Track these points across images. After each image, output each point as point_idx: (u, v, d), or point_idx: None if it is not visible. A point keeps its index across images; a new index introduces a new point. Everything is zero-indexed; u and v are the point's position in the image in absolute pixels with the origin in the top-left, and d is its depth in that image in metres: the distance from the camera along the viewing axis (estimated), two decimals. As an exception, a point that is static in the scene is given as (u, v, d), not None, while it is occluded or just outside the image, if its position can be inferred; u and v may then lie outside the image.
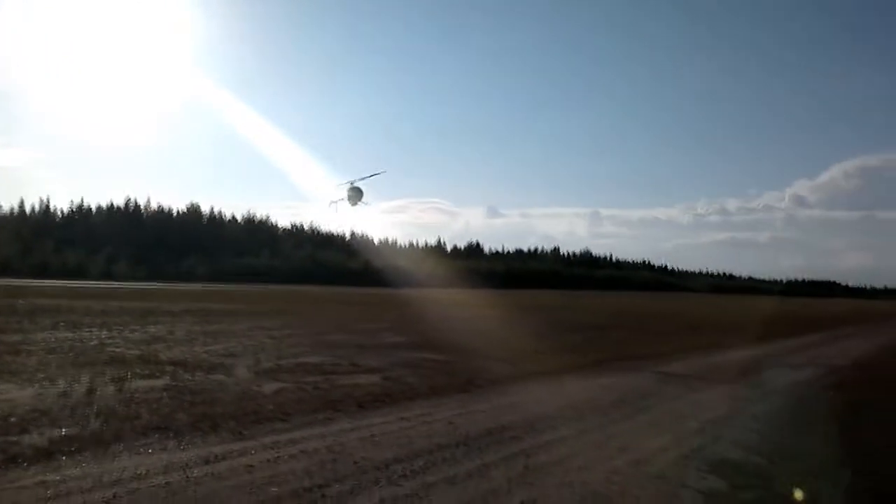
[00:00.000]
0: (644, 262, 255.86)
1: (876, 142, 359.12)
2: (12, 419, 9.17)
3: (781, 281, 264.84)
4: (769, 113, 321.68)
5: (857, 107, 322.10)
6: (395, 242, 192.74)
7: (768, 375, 18.79)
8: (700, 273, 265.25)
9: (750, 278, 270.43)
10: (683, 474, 8.29)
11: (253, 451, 8.35)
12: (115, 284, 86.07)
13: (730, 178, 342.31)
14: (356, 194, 34.13)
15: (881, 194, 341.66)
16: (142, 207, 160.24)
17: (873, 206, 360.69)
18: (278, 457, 8.21)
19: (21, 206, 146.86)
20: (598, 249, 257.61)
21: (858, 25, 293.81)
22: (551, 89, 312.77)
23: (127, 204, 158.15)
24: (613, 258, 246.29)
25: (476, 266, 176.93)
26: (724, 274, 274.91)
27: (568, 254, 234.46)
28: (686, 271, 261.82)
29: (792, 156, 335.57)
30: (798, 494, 7.67)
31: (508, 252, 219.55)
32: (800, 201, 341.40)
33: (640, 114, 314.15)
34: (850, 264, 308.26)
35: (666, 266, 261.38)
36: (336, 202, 34.30)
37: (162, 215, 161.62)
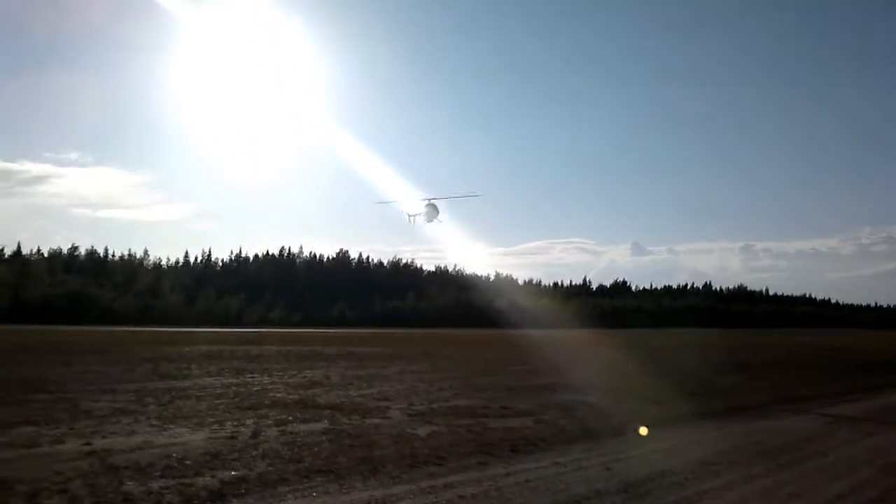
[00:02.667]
0: (805, 296, 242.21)
1: None
2: (187, 462, 9.69)
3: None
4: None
5: None
6: (539, 283, 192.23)
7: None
8: (867, 306, 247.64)
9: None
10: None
11: (412, 496, 8.43)
12: (273, 329, 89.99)
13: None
14: (432, 211, 35.20)
15: None
16: (295, 255, 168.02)
17: None
18: (436, 501, 8.26)
19: (186, 257, 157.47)
20: (754, 284, 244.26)
21: None
22: (692, 123, 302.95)
23: (281, 252, 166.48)
24: (770, 293, 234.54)
25: (623, 304, 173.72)
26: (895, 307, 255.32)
27: (720, 289, 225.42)
28: (852, 305, 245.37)
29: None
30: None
31: (656, 289, 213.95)
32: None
33: (791, 139, 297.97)
34: None
35: (829, 300, 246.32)
36: (413, 216, 35.51)
37: (314, 262, 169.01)
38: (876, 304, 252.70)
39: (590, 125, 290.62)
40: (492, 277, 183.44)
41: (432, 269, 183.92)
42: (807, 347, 58.69)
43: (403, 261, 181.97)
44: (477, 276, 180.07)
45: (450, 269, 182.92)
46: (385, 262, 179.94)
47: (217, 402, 16.21)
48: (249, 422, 13.34)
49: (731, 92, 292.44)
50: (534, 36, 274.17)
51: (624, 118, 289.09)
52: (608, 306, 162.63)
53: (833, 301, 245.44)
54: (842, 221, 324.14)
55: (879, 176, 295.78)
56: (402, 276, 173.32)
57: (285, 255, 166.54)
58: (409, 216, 36.12)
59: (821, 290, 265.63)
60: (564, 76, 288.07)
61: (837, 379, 26.89)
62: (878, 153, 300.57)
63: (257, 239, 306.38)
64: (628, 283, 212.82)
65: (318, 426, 13.13)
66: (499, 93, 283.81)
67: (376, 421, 14.03)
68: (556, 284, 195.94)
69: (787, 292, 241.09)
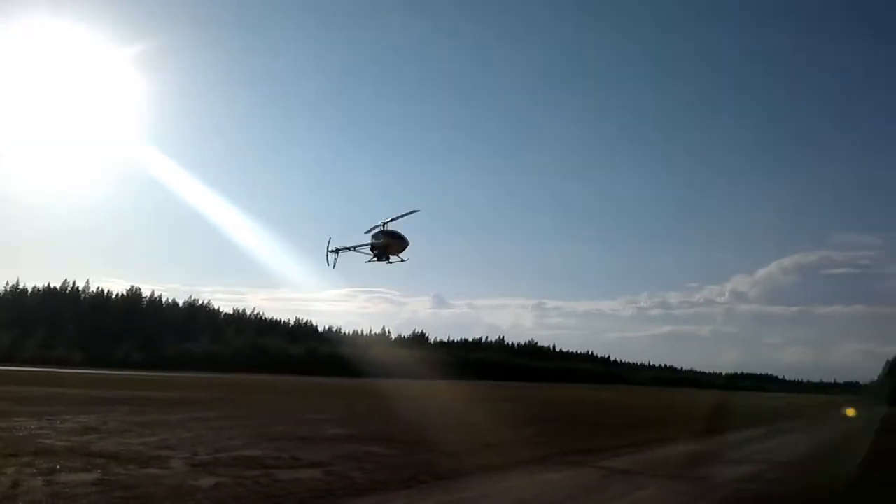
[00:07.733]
0: (588, 353, 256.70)
1: (812, 239, 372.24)
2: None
3: (722, 374, 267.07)
4: (708, 210, 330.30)
5: (793, 206, 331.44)
6: (339, 331, 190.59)
7: (711, 471, 18.82)
8: (643, 365, 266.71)
9: (692, 371, 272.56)
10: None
11: (187, 552, 7.99)
12: (48, 370, 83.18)
13: (671, 273, 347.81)
14: (397, 243, 30.22)
15: (818, 290, 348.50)
16: (80, 290, 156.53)
17: (810, 300, 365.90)
18: (213, 558, 7.88)
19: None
20: (544, 340, 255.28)
21: (802, 130, 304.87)
22: (507, 183, 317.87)
23: (64, 286, 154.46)
24: (558, 349, 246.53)
25: (421, 355, 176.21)
26: (667, 366, 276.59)
27: (513, 344, 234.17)
28: (629, 363, 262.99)
29: (731, 252, 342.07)
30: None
31: (454, 342, 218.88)
32: (739, 296, 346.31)
33: (586, 208, 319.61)
34: (788, 358, 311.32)
35: (609, 358, 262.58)
36: (337, 252, 31.13)
37: (100, 299, 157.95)
38: (650, 363, 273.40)
39: (400, 177, 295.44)
40: (292, 323, 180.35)
41: (230, 311, 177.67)
42: (588, 403, 62.10)
43: (199, 301, 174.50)
44: (277, 320, 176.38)
45: (248, 311, 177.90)
46: (180, 302, 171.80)
47: (-27, 448, 14.66)
48: (10, 470, 12.18)
49: (526, 158, 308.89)
50: (341, 78, 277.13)
51: (434, 173, 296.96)
52: (406, 356, 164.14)
53: (612, 359, 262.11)
54: (625, 285, 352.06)
55: (658, 246, 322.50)
56: (196, 317, 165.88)
57: (69, 289, 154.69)
58: (330, 252, 31.24)
59: (602, 349, 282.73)
60: (372, 119, 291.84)
61: (614, 433, 28.58)
62: (658, 226, 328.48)
63: (37, 271, 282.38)
64: (426, 335, 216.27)
65: (89, 476, 12.19)
66: (311, 133, 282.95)
67: (155, 471, 13.23)
68: (355, 332, 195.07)
69: (573, 349, 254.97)
